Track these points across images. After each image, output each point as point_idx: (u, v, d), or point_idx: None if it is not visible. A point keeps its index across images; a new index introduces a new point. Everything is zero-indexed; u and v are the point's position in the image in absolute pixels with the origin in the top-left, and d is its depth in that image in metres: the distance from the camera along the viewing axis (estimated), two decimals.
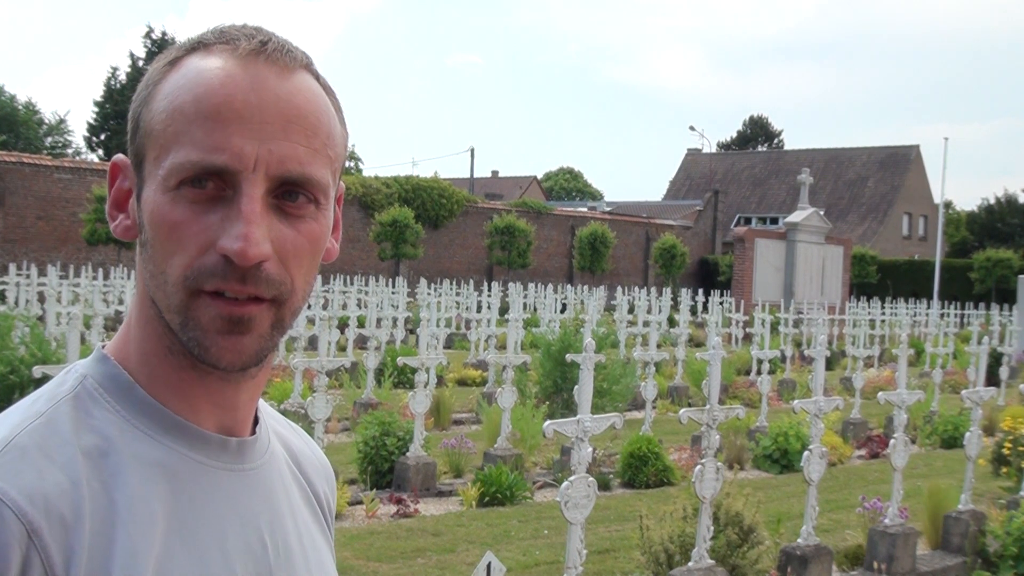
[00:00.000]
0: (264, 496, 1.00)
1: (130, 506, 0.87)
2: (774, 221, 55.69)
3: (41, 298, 19.94)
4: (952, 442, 11.47)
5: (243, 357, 0.91)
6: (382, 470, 8.55)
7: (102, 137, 47.58)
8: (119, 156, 0.97)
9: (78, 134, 62.36)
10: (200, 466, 0.94)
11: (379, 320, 16.46)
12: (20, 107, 51.79)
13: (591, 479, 4.76)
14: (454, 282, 31.08)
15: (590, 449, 5.06)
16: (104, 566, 0.84)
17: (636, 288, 36.14)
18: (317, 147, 0.92)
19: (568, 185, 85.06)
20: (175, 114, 0.89)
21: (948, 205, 65.99)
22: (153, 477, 0.90)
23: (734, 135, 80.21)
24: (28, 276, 20.72)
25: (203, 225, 0.88)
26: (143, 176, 0.92)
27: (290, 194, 0.91)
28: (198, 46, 0.93)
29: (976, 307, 35.66)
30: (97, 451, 0.88)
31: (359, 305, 21.73)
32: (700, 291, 33.16)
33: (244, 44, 0.91)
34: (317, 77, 0.96)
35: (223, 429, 0.97)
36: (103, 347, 0.98)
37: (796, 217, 29.71)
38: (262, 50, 0.91)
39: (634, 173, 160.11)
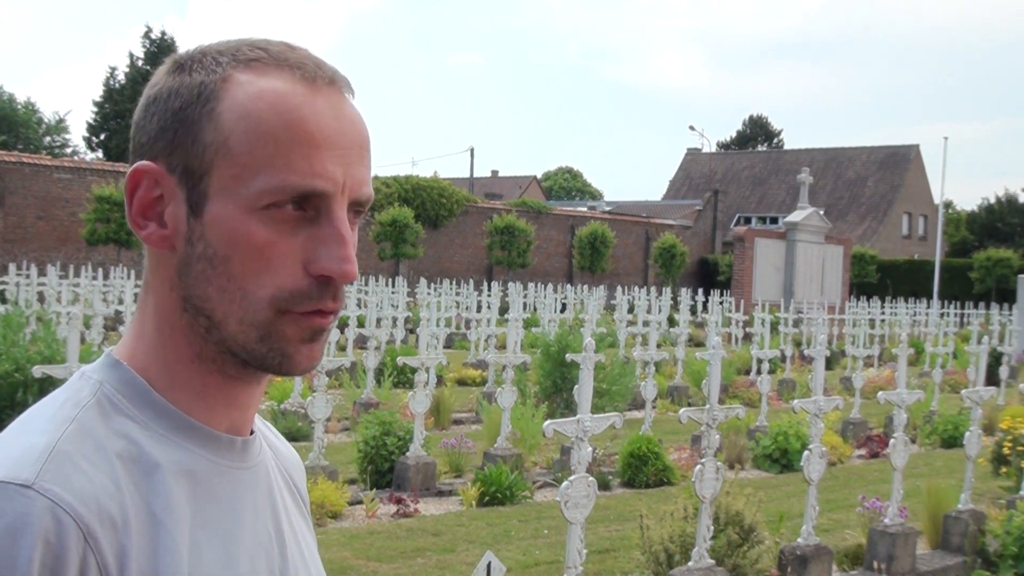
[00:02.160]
0: (265, 492, 1.03)
1: (164, 507, 0.90)
2: (774, 221, 55.68)
3: (41, 298, 19.95)
4: (952, 442, 11.47)
5: (315, 362, 0.97)
6: (382, 470, 8.55)
7: (101, 137, 47.55)
8: (147, 164, 0.95)
9: (77, 134, 62.45)
10: (215, 466, 0.97)
11: (379, 320, 16.46)
12: (20, 107, 51.78)
13: (591, 479, 4.76)
14: (454, 282, 31.08)
15: (590, 449, 5.06)
16: (152, 566, 0.87)
17: (636, 288, 36.13)
18: (370, 167, 0.99)
19: (568, 185, 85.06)
20: (265, 137, 0.91)
21: (948, 205, 66.05)
22: (178, 479, 0.92)
23: (734, 135, 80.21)
24: (28, 276, 20.72)
25: (291, 246, 0.92)
26: (204, 191, 0.93)
27: (351, 212, 0.97)
28: (251, 63, 0.94)
29: (976, 307, 35.66)
30: (128, 455, 0.90)
31: (359, 305, 21.73)
32: (700, 291, 33.16)
33: (312, 70, 0.95)
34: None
35: (231, 429, 1.00)
36: (112, 352, 0.99)
37: (796, 217, 29.72)
38: (332, 78, 0.96)
39: (634, 173, 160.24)
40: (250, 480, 1.01)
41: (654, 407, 11.55)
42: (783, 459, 10.10)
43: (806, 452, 6.14)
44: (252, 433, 1.03)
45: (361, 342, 17.32)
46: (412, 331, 18.90)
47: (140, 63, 47.39)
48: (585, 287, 36.22)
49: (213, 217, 0.92)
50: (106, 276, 24.60)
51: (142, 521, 0.87)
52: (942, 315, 30.45)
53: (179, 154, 0.94)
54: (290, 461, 1.16)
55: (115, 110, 46.77)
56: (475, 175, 59.34)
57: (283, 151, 0.91)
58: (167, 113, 0.94)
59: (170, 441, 0.94)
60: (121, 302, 19.42)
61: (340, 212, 0.93)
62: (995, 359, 16.00)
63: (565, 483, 4.68)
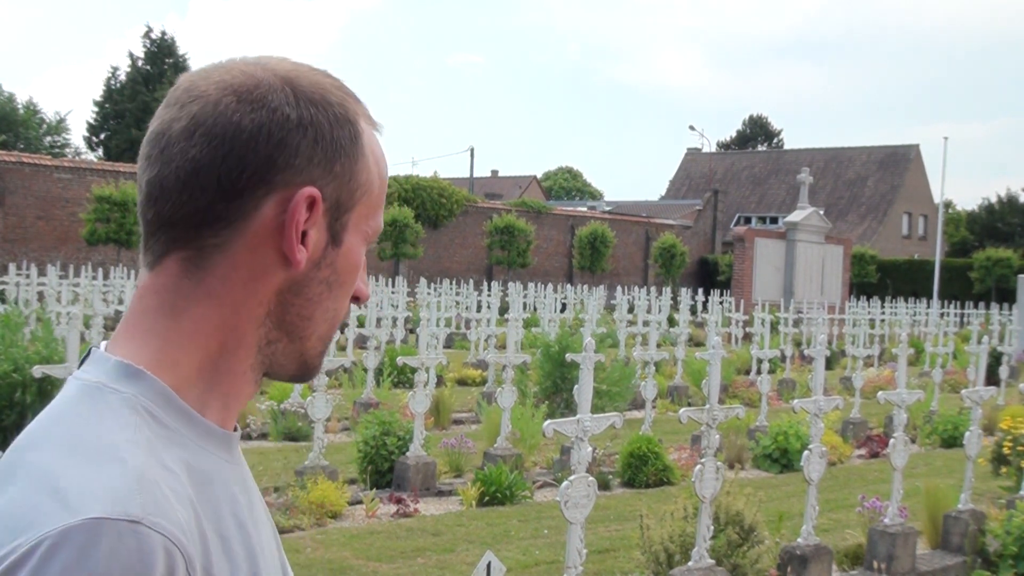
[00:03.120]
0: (250, 485, 1.03)
1: (222, 518, 0.90)
2: (774, 221, 55.68)
3: (41, 298, 19.94)
4: (952, 442, 11.47)
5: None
6: (382, 470, 8.55)
7: (102, 137, 47.57)
8: (315, 191, 0.95)
9: (78, 134, 62.42)
10: (229, 466, 0.97)
11: (379, 320, 16.47)
12: (20, 107, 51.78)
13: (591, 479, 4.76)
14: (454, 282, 31.08)
15: (590, 449, 5.06)
16: None
17: (636, 288, 36.14)
18: None
19: (568, 185, 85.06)
20: (382, 185, 1.05)
21: (948, 205, 66.04)
22: (217, 486, 0.93)
23: (734, 135, 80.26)
24: (28, 276, 20.71)
25: None
26: (345, 223, 1.00)
27: None
28: (350, 101, 1.01)
29: (976, 307, 35.65)
30: (185, 470, 0.89)
31: (359, 305, 21.67)
32: (700, 291, 33.16)
33: (377, 125, 1.06)
34: None
35: (221, 425, 1.00)
36: (124, 360, 0.94)
37: (796, 217, 29.73)
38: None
39: (634, 173, 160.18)
40: (242, 474, 1.01)
41: (654, 407, 11.55)
42: (783, 459, 10.10)
43: (806, 452, 6.14)
44: (236, 429, 1.03)
45: (361, 342, 17.31)
46: (412, 331, 18.90)
47: (140, 63, 47.42)
48: (585, 287, 36.22)
49: (347, 248, 1.01)
50: (106, 276, 24.60)
51: (215, 538, 0.87)
52: (942, 315, 30.44)
53: (334, 186, 0.97)
54: None
55: (115, 110, 46.78)
56: (475, 175, 59.35)
57: (381, 198, 1.05)
58: (333, 142, 0.97)
59: (201, 448, 0.92)
60: (121, 302, 19.43)
61: None
62: (995, 359, 16.01)
63: (565, 483, 4.69)
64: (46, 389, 7.84)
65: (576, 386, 5.19)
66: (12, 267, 21.79)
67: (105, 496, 0.78)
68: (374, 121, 1.05)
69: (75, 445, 0.84)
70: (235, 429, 1.03)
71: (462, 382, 15.29)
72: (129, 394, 0.89)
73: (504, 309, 23.45)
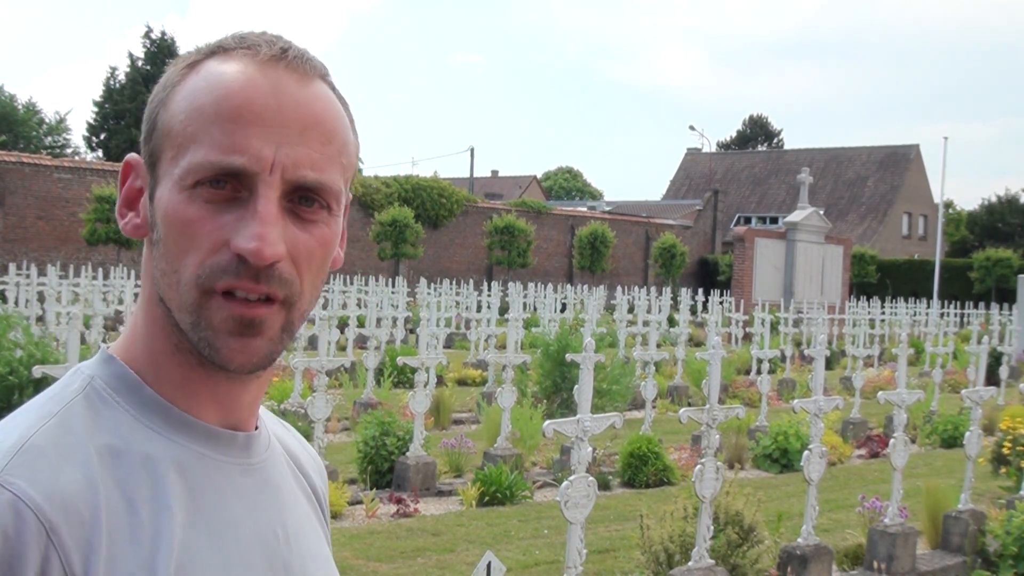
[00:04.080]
0: (271, 490, 1.01)
1: (146, 503, 0.88)
2: (774, 221, 55.67)
3: (41, 298, 19.92)
4: (952, 442, 11.47)
5: (253, 359, 0.92)
6: (382, 470, 8.55)
7: (101, 137, 47.54)
8: (132, 155, 0.97)
9: (77, 134, 62.44)
10: (212, 461, 0.95)
11: (379, 320, 16.45)
12: (20, 107, 51.77)
13: (591, 479, 4.76)
14: (454, 282, 31.07)
15: (590, 449, 5.06)
16: (124, 564, 0.85)
17: (636, 288, 36.11)
18: (332, 154, 0.94)
19: (568, 185, 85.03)
20: (194, 114, 0.90)
21: (948, 205, 66.00)
22: (167, 474, 0.91)
23: (734, 135, 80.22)
24: (28, 276, 20.70)
25: (217, 224, 0.89)
26: (157, 175, 0.93)
27: (304, 199, 0.92)
28: (217, 50, 0.94)
29: (976, 307, 35.63)
30: (110, 450, 0.89)
31: (359, 305, 21.71)
32: (700, 291, 33.13)
33: (265, 50, 0.93)
34: (333, 87, 0.98)
35: (228, 425, 0.99)
36: (107, 348, 0.98)
37: (796, 217, 29.73)
38: (283, 56, 0.93)
39: (634, 173, 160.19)
40: (253, 476, 0.99)
41: (654, 407, 11.54)
42: (783, 459, 10.10)
43: (806, 452, 6.14)
44: (256, 429, 1.02)
45: (361, 342, 17.31)
46: (412, 331, 18.89)
47: (140, 63, 47.38)
48: (585, 287, 36.20)
49: (157, 200, 0.92)
50: (106, 276, 24.60)
51: (118, 518, 0.86)
52: (942, 315, 30.43)
53: (149, 144, 0.95)
54: (308, 462, 1.14)
55: (115, 110, 46.75)
56: (475, 175, 59.32)
57: (208, 127, 0.89)
58: (149, 105, 0.96)
59: (161, 436, 0.92)
60: (121, 302, 19.44)
61: (266, 191, 0.89)
62: (995, 359, 16.01)
63: (565, 483, 4.68)
64: (43, 390, 7.82)
65: (576, 386, 5.19)
66: (12, 267, 21.78)
67: None
68: (247, 50, 0.93)
69: (11, 417, 0.91)
70: (255, 428, 1.02)
71: (462, 382, 15.28)
72: (87, 375, 0.94)
73: (504, 309, 23.45)
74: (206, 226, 0.89)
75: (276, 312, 0.92)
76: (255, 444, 1.01)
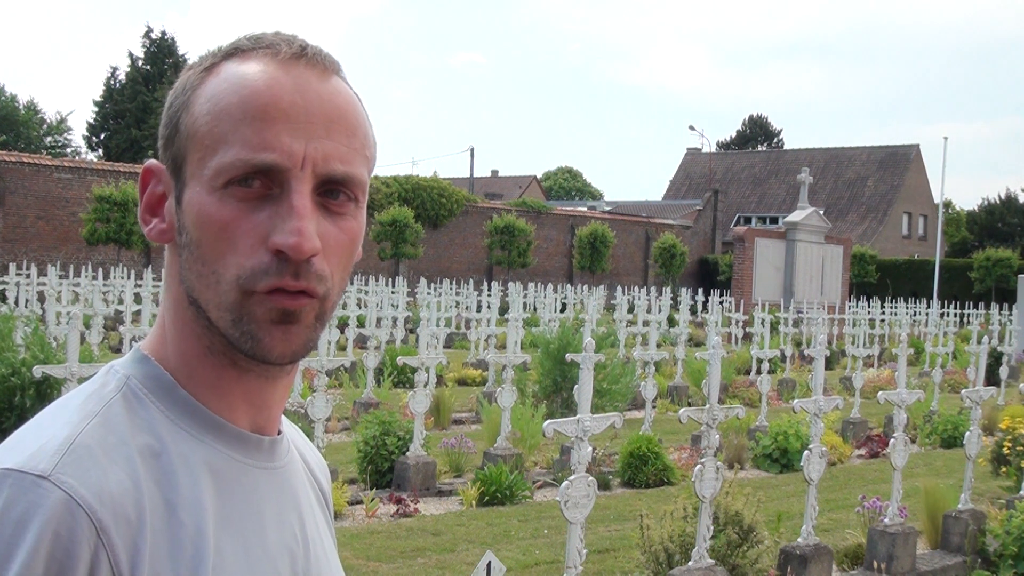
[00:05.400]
0: (292, 494, 1.03)
1: (185, 505, 0.89)
2: (774, 220, 55.66)
3: (41, 298, 19.94)
4: (952, 442, 11.47)
5: (292, 347, 0.93)
6: (382, 470, 8.55)
7: (102, 137, 47.57)
8: (152, 162, 0.98)
9: (78, 134, 62.40)
10: (240, 465, 0.96)
11: (379, 320, 16.46)
12: (21, 107, 51.78)
13: (591, 479, 4.76)
14: (454, 282, 31.07)
15: (590, 449, 5.06)
16: (168, 565, 0.86)
17: (636, 288, 36.11)
18: (356, 147, 0.96)
19: (568, 185, 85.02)
20: (221, 115, 0.91)
21: (948, 205, 65.98)
22: (201, 476, 0.92)
23: (734, 134, 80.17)
24: (28, 276, 20.72)
25: (253, 223, 0.90)
26: (183, 179, 0.94)
27: (332, 192, 0.94)
28: (234, 52, 0.96)
29: (976, 307, 35.62)
30: (150, 451, 0.90)
31: (359, 305, 21.70)
32: (700, 291, 33.12)
33: (284, 48, 0.94)
34: (347, 83, 1.00)
35: (256, 428, 1.00)
36: (140, 347, 0.99)
37: (796, 216, 29.73)
38: (302, 54, 0.94)
39: (634, 173, 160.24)
40: (276, 480, 1.00)
41: (654, 407, 11.54)
42: (783, 459, 10.10)
43: (806, 452, 6.14)
44: (280, 433, 1.03)
45: (361, 342, 17.32)
46: (412, 331, 18.89)
47: (141, 63, 47.42)
48: (585, 287, 36.22)
49: (187, 203, 0.93)
50: (106, 276, 24.61)
51: (160, 518, 0.87)
52: (942, 315, 30.42)
53: (171, 148, 0.95)
54: (318, 465, 1.17)
55: (115, 110, 46.77)
56: (475, 175, 59.32)
57: (237, 127, 0.91)
58: (169, 110, 0.97)
59: (194, 438, 0.93)
60: (121, 302, 19.43)
61: (299, 186, 0.90)
62: (995, 359, 16.01)
63: (565, 483, 4.68)
64: (44, 391, 7.82)
65: (576, 386, 5.19)
66: (12, 267, 21.79)
67: (27, 453, 0.85)
68: (266, 49, 0.94)
69: (50, 414, 0.92)
70: (279, 433, 1.03)
71: (462, 382, 15.28)
72: (122, 375, 0.95)
73: (504, 309, 23.46)
74: (242, 225, 0.90)
75: (312, 303, 0.94)
76: (278, 448, 1.02)
